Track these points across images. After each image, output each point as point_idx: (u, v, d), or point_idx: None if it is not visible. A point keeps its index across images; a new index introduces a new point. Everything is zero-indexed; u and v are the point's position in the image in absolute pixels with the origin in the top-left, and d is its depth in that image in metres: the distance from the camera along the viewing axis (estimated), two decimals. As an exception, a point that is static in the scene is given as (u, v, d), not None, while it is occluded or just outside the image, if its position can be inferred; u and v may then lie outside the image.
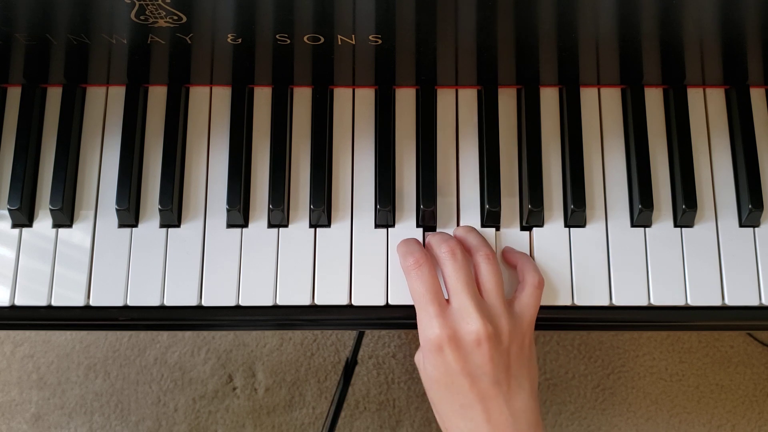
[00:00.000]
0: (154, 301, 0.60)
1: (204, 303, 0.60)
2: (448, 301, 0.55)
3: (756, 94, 0.65)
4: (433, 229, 0.62)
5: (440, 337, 0.53)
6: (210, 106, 0.65)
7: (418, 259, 0.55)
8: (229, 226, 0.62)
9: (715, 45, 0.58)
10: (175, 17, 0.54)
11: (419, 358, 0.56)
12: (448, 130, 0.64)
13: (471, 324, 0.52)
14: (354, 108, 0.65)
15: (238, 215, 0.61)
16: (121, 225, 0.61)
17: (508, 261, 0.60)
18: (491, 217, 0.61)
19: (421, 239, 0.61)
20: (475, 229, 0.60)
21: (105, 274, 0.60)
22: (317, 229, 0.62)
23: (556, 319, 0.61)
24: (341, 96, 0.65)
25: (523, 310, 0.56)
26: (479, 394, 0.52)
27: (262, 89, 0.65)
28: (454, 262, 0.55)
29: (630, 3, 0.53)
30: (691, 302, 0.60)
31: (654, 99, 0.65)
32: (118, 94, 0.64)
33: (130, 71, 0.62)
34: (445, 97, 0.65)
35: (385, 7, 0.53)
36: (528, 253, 0.61)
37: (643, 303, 0.60)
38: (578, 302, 0.60)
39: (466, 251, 0.58)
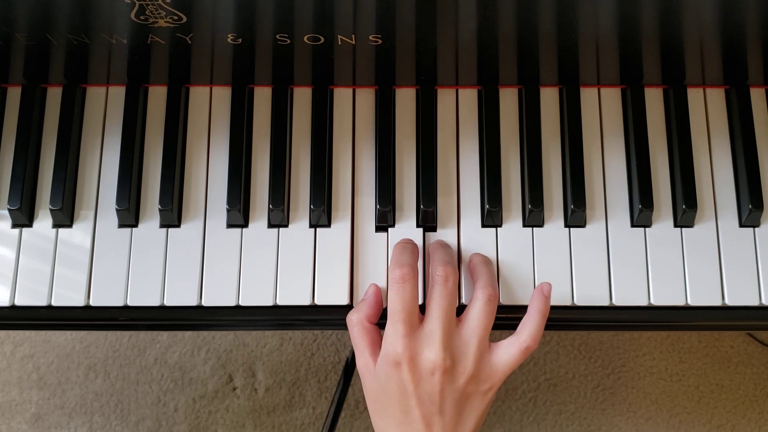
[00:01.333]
0: (154, 301, 0.60)
1: (204, 303, 0.60)
2: (421, 319, 0.55)
3: (756, 94, 0.65)
4: (433, 229, 0.62)
5: (400, 356, 0.53)
6: (210, 106, 0.65)
7: (405, 275, 0.55)
8: (229, 226, 0.62)
9: (715, 45, 0.58)
10: (175, 17, 0.54)
11: (365, 364, 0.56)
12: (448, 130, 0.64)
13: (431, 353, 0.53)
14: (354, 108, 0.65)
15: (238, 215, 0.61)
16: (121, 225, 0.61)
17: (532, 302, 0.58)
18: (491, 217, 0.61)
19: (421, 239, 0.61)
20: (491, 264, 0.59)
21: (105, 274, 0.60)
22: (317, 229, 0.62)
23: (556, 319, 0.61)
24: (341, 96, 0.65)
25: (500, 363, 0.54)
26: (423, 415, 0.53)
27: (262, 89, 0.65)
28: (444, 289, 0.54)
29: (630, 3, 0.53)
30: (691, 302, 0.60)
31: (654, 99, 0.65)
32: (118, 94, 0.64)
33: (130, 71, 0.62)
34: (445, 97, 0.65)
35: (386, 7, 0.53)
36: (530, 253, 0.61)
37: (643, 303, 0.60)
38: (578, 302, 0.60)
39: (473, 278, 0.58)
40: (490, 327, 0.55)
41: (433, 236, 0.62)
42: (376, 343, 0.56)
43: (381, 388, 0.55)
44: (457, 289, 0.56)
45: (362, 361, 0.56)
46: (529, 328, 0.56)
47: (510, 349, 0.55)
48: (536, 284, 0.60)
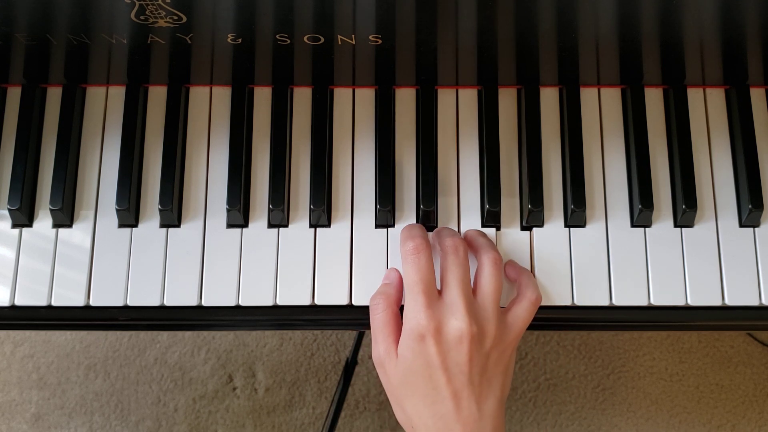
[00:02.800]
0: (154, 301, 0.60)
1: (204, 303, 0.60)
2: (440, 292, 0.55)
3: (756, 94, 0.65)
4: (433, 229, 0.62)
5: (425, 328, 0.52)
6: (210, 106, 0.65)
7: (418, 246, 0.55)
8: (229, 226, 0.62)
9: (715, 45, 0.58)
10: (175, 17, 0.54)
11: (386, 351, 0.55)
12: (448, 130, 0.64)
13: (457, 321, 0.52)
14: (354, 108, 0.65)
15: (238, 215, 0.61)
16: (121, 225, 0.61)
17: (509, 274, 0.60)
18: (491, 217, 0.61)
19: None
20: (485, 235, 0.60)
21: (105, 274, 0.60)
22: (317, 229, 0.62)
23: (556, 319, 0.61)
24: (341, 96, 0.65)
25: (514, 320, 0.56)
26: (453, 390, 0.52)
27: (262, 89, 0.65)
28: (456, 257, 0.55)
29: (630, 3, 0.53)
30: (691, 302, 0.60)
31: (654, 99, 0.65)
32: (118, 94, 0.64)
33: (130, 71, 0.62)
34: (445, 97, 0.65)
35: (386, 7, 0.53)
36: (530, 253, 0.61)
37: (643, 303, 0.60)
38: (578, 302, 0.60)
39: (474, 250, 0.58)
40: (501, 289, 0.56)
41: (433, 236, 0.62)
42: (399, 331, 0.55)
43: (407, 369, 0.54)
44: (468, 259, 0.56)
45: (382, 348, 0.55)
46: (528, 284, 0.57)
47: (522, 305, 0.56)
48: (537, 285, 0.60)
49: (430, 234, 0.61)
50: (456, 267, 0.54)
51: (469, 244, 0.59)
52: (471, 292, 0.55)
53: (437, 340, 0.52)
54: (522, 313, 0.56)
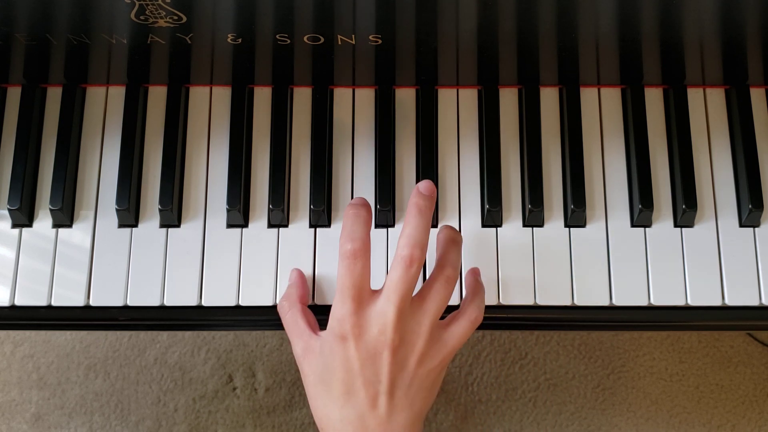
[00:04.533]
0: (154, 301, 0.60)
1: (204, 303, 0.60)
2: (375, 292, 0.53)
3: (756, 94, 0.65)
4: (433, 228, 0.62)
5: (348, 332, 0.51)
6: (210, 106, 0.65)
7: (356, 251, 0.52)
8: (229, 226, 0.62)
9: (715, 45, 0.58)
10: (175, 17, 0.54)
11: (305, 347, 0.54)
12: (448, 130, 0.64)
13: (383, 333, 0.51)
14: (354, 108, 0.65)
15: (238, 215, 0.61)
16: (121, 225, 0.61)
17: (465, 282, 0.59)
18: (491, 217, 0.61)
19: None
20: (460, 243, 0.57)
21: (105, 274, 0.60)
22: (317, 229, 0.62)
23: (556, 319, 0.61)
24: (341, 96, 0.65)
25: (450, 338, 0.54)
26: (366, 397, 0.51)
27: (262, 89, 0.65)
28: (406, 273, 0.51)
29: (630, 3, 0.53)
30: (691, 302, 0.60)
31: (654, 99, 0.65)
32: (118, 94, 0.64)
33: (130, 71, 0.62)
34: (445, 97, 0.65)
35: (386, 7, 0.53)
36: (530, 253, 0.61)
37: (643, 303, 0.60)
38: (578, 302, 0.60)
39: (437, 255, 0.56)
40: (443, 308, 0.54)
41: (433, 236, 0.61)
42: (313, 326, 0.56)
43: (324, 367, 0.53)
44: (419, 274, 0.52)
45: (301, 345, 0.55)
46: (472, 302, 0.55)
47: (460, 323, 0.54)
48: (536, 284, 0.60)
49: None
50: (401, 283, 0.51)
51: (438, 243, 0.57)
52: (407, 305, 0.52)
53: (358, 345, 0.51)
54: (459, 332, 0.54)
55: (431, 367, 0.53)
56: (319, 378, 0.53)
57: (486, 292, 0.59)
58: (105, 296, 0.60)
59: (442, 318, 0.54)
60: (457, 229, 0.62)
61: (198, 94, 0.65)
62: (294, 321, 0.56)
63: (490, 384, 1.18)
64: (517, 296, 0.60)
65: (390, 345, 0.51)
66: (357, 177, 0.63)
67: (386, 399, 0.51)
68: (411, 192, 0.62)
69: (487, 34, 0.57)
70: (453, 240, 0.56)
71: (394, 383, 0.51)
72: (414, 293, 0.53)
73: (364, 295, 0.52)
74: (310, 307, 0.60)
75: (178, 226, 0.62)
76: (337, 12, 0.54)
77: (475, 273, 0.59)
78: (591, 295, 0.60)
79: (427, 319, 0.52)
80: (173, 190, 0.61)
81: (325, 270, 0.61)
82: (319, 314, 0.61)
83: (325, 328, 0.54)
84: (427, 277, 0.55)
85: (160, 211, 0.61)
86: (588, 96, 0.65)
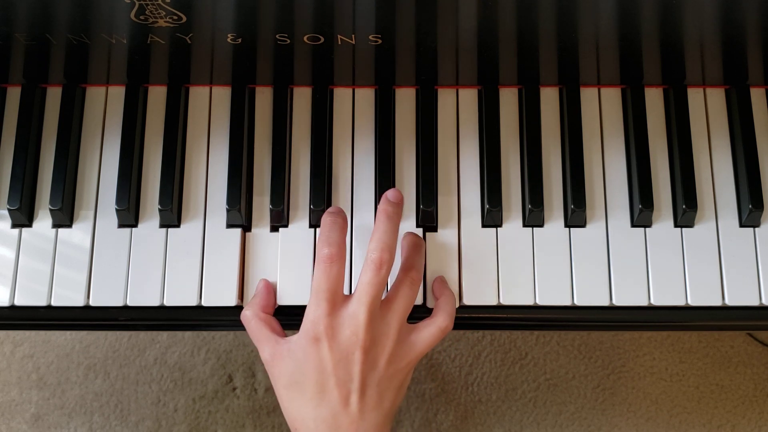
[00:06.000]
0: (154, 301, 0.60)
1: (204, 303, 0.60)
2: (347, 297, 0.55)
3: (756, 94, 0.65)
4: (433, 229, 0.62)
5: (321, 333, 0.53)
6: (210, 106, 0.65)
7: (332, 256, 0.54)
8: (229, 225, 0.62)
9: (715, 45, 0.58)
10: (175, 17, 0.54)
11: (271, 353, 0.55)
12: (448, 130, 0.64)
13: (355, 334, 0.53)
14: (354, 108, 0.65)
15: (238, 215, 0.61)
16: (121, 225, 0.61)
17: (434, 290, 0.60)
18: (491, 217, 0.61)
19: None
20: (423, 248, 0.60)
21: (105, 274, 0.60)
22: (317, 229, 0.61)
23: (556, 319, 0.61)
24: (341, 96, 0.65)
25: (418, 341, 0.55)
26: (339, 396, 0.53)
27: (262, 89, 0.65)
28: (375, 277, 0.53)
29: (630, 3, 0.53)
30: (691, 302, 0.60)
31: (654, 99, 0.65)
32: (118, 94, 0.64)
33: (130, 71, 0.62)
34: (445, 97, 0.65)
35: (385, 7, 0.53)
36: (531, 253, 0.61)
37: (643, 303, 0.60)
38: (578, 302, 0.60)
39: (402, 258, 0.58)
40: (410, 309, 0.56)
41: (433, 236, 0.62)
42: (278, 332, 0.57)
43: (297, 368, 0.54)
44: (388, 276, 0.54)
45: (268, 350, 0.56)
46: (442, 310, 0.57)
47: (429, 329, 0.56)
48: (536, 284, 0.60)
49: (430, 237, 0.61)
50: (371, 287, 0.53)
51: (402, 248, 0.59)
52: (378, 308, 0.54)
53: (331, 346, 0.53)
54: (427, 337, 0.56)
55: (400, 367, 0.55)
56: (292, 380, 0.54)
57: (486, 292, 0.59)
58: (105, 296, 0.60)
59: (412, 322, 0.56)
60: (457, 228, 0.62)
61: (198, 94, 0.65)
62: (258, 328, 0.57)
63: (490, 384, 1.18)
64: (517, 296, 0.60)
65: (362, 345, 0.53)
66: (357, 177, 0.63)
67: (358, 397, 0.53)
68: (411, 192, 0.62)
69: (487, 34, 0.57)
70: (416, 245, 0.59)
71: (365, 382, 0.53)
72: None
73: (337, 299, 0.54)
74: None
75: (178, 226, 0.62)
76: (337, 12, 0.54)
77: (442, 281, 0.60)
78: (591, 295, 0.60)
79: (396, 320, 0.55)
80: (173, 190, 0.61)
81: (325, 270, 0.61)
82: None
83: (292, 333, 0.56)
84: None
85: (159, 211, 0.61)
86: (588, 96, 0.65)
